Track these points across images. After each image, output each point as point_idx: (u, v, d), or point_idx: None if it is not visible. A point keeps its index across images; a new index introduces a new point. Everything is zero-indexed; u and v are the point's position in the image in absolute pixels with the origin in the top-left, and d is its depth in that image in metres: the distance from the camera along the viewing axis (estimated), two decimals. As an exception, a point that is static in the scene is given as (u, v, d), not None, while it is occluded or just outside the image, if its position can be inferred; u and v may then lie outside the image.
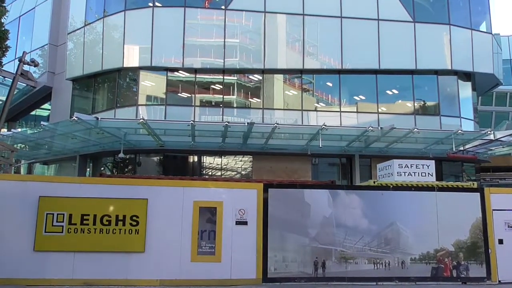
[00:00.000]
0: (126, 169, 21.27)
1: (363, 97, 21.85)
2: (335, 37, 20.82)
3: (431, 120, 20.97)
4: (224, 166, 21.20)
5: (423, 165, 13.66)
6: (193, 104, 20.38)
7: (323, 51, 21.57)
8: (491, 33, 23.40)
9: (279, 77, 21.48)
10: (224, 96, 20.80)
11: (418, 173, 13.41)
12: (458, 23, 22.02)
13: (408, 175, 13.35)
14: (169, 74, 20.55)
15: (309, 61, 21.14)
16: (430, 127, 19.41)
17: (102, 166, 22.31)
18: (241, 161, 21.52)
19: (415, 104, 21.64)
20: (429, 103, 22.10)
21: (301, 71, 21.27)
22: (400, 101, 22.27)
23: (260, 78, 21.07)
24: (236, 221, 9.85)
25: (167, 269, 9.39)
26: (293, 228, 10.02)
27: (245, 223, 9.86)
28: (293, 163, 20.15)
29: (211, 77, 21.10)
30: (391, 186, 11.23)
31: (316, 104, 21.60)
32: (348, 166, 21.37)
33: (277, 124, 16.25)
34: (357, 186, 15.36)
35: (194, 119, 18.60)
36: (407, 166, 13.36)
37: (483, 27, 23.53)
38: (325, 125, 16.50)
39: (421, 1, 22.63)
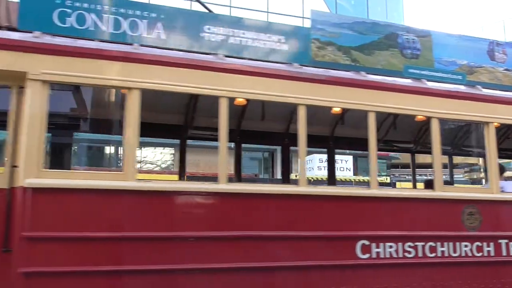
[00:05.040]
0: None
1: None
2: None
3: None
4: (143, 159, 20.31)
5: (341, 160, 14.15)
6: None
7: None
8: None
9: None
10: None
11: (337, 168, 13.87)
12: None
13: (328, 169, 13.75)
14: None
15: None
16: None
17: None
18: (161, 153, 20.77)
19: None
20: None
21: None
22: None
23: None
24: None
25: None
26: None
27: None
28: (217, 157, 19.86)
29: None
30: (312, 180, 11.43)
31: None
32: (270, 160, 21.59)
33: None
34: (279, 179, 15.47)
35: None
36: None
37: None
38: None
39: (343, 2, 23.59)
